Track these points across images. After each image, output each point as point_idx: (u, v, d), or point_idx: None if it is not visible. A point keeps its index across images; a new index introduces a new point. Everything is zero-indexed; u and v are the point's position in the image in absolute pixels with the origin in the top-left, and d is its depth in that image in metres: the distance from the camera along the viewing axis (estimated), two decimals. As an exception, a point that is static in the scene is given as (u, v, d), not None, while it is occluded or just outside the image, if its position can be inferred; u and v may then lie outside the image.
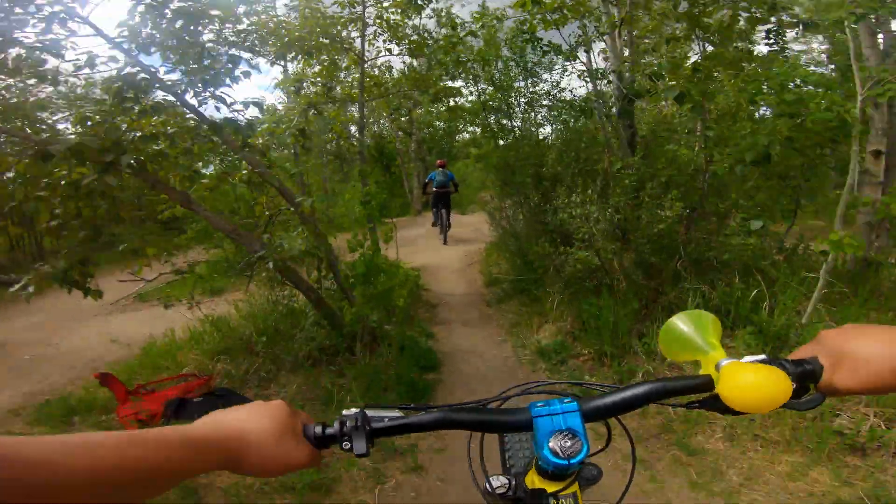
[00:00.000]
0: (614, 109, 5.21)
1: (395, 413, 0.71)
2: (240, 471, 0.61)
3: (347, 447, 0.65)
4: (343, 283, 4.09)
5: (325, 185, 12.70)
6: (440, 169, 9.74)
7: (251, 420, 0.62)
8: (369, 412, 0.69)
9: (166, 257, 3.50)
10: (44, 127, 4.18)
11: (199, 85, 3.12)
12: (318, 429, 0.66)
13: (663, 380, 0.67)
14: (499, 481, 0.76)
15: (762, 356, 0.64)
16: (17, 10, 2.63)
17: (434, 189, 9.66)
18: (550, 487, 0.71)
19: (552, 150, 5.89)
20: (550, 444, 0.65)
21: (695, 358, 0.69)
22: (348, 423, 0.66)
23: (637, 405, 0.67)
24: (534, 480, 0.73)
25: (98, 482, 0.44)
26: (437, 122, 16.55)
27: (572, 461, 0.64)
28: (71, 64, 2.87)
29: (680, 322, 0.72)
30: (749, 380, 0.57)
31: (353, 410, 0.69)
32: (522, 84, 7.16)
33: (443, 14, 6.62)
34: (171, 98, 3.21)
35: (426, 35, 6.53)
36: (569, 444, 0.65)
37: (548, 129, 7.84)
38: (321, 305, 3.85)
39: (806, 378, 0.62)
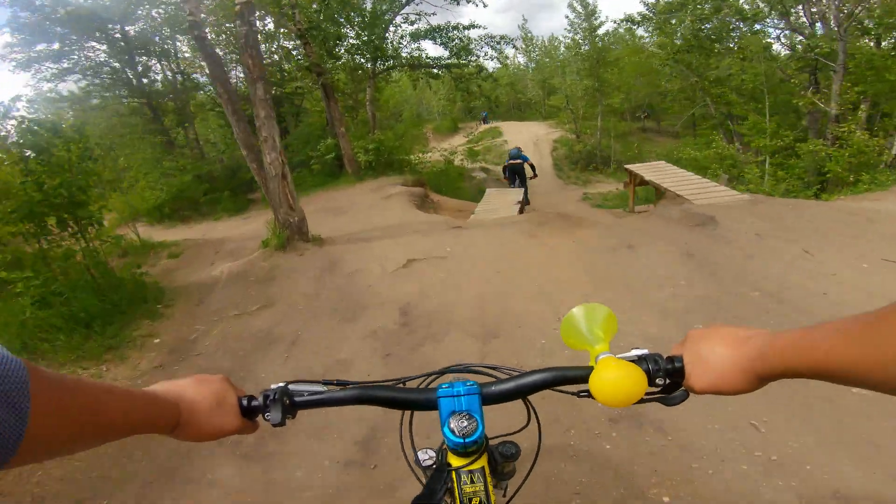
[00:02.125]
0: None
1: (318, 388, 0.78)
2: (177, 434, 0.68)
3: (268, 418, 0.73)
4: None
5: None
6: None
7: (192, 389, 0.70)
8: (293, 387, 0.77)
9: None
10: None
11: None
12: (245, 401, 0.74)
13: (557, 369, 0.73)
14: (426, 454, 0.83)
15: (643, 351, 0.69)
16: None
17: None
18: (458, 462, 0.76)
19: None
20: (451, 424, 0.72)
21: (585, 348, 0.74)
22: (271, 397, 0.74)
23: (531, 391, 0.74)
24: (449, 455, 0.78)
25: (106, 424, 0.52)
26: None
27: (467, 440, 0.71)
28: None
29: (577, 314, 0.77)
30: (610, 377, 0.63)
31: (280, 384, 0.77)
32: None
33: None
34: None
35: None
36: (465, 424, 0.71)
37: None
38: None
39: (673, 375, 0.67)
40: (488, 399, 0.75)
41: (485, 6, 13.78)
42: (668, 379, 0.67)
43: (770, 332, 0.59)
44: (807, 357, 0.51)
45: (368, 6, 13.37)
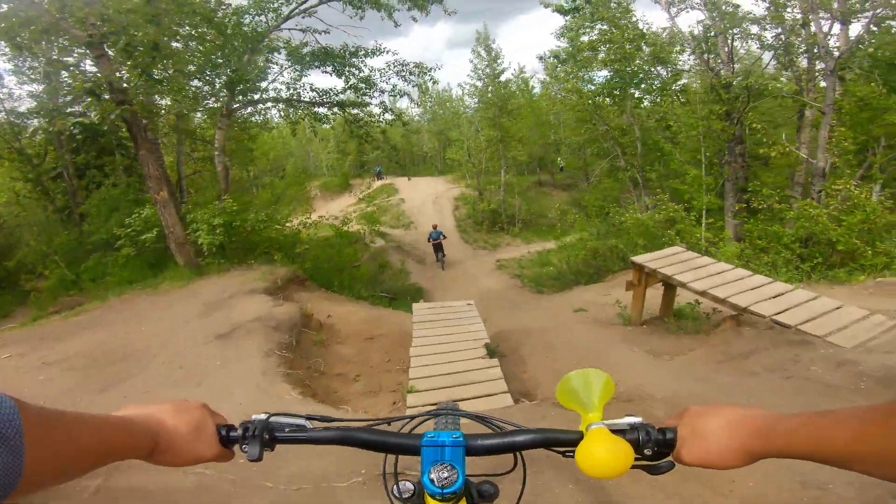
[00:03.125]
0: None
1: (301, 422, 0.75)
2: (154, 459, 0.65)
3: (245, 450, 0.71)
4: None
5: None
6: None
7: (171, 415, 0.67)
8: (275, 419, 0.74)
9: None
10: None
11: None
12: (224, 431, 0.72)
13: (548, 431, 0.71)
14: (405, 486, 0.76)
15: (636, 419, 0.69)
16: None
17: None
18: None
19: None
20: (431, 474, 0.69)
21: (579, 411, 0.73)
22: (250, 429, 0.71)
23: (516, 450, 0.72)
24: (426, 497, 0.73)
25: (88, 452, 0.52)
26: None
27: (445, 491, 0.68)
28: None
29: (574, 379, 0.77)
30: (598, 451, 0.62)
31: (263, 415, 0.73)
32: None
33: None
34: None
35: None
36: (445, 475, 0.69)
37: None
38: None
39: (663, 446, 0.67)
40: (473, 452, 0.72)
41: (415, 21, 10.18)
42: (656, 449, 0.67)
43: (773, 413, 0.60)
44: (818, 442, 0.51)
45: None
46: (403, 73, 10.38)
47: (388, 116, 11.02)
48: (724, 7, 11.59)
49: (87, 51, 7.24)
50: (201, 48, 8.53)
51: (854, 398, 3.19)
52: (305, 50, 9.94)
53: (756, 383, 3.66)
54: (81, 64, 8.11)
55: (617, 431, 0.67)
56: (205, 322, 5.70)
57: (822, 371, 3.62)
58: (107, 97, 7.21)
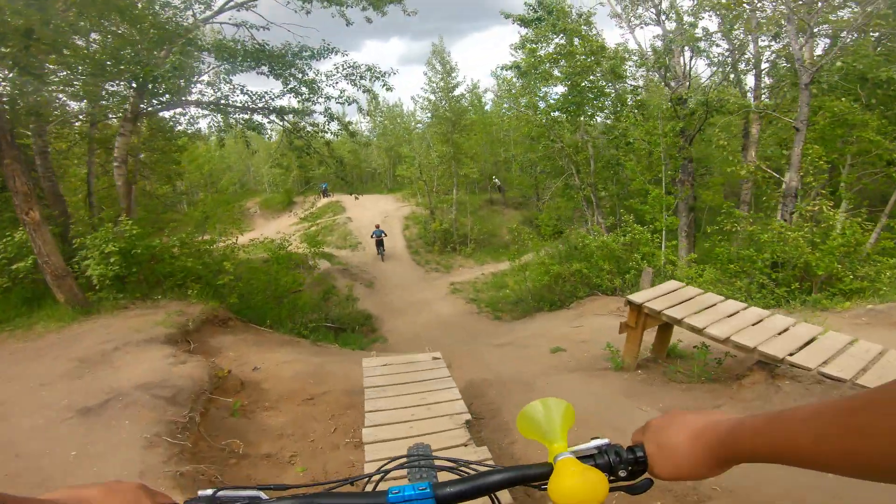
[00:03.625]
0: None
1: (253, 494, 0.68)
2: None
3: None
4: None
5: None
6: None
7: (100, 498, 0.61)
8: (223, 493, 0.67)
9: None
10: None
11: None
12: None
13: (517, 468, 0.69)
14: None
15: (603, 441, 0.68)
16: None
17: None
18: None
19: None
20: None
21: (543, 442, 0.72)
22: None
23: (488, 492, 0.69)
24: None
25: None
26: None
27: None
28: None
29: (535, 410, 0.76)
30: (570, 483, 0.61)
31: (209, 491, 0.66)
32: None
33: None
34: None
35: None
36: None
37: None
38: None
39: (636, 464, 0.65)
40: (442, 501, 0.67)
41: (369, 21, 8.90)
42: (630, 469, 0.66)
43: (734, 417, 0.59)
44: (783, 444, 0.50)
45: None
46: (353, 77, 9.12)
47: (334, 126, 9.68)
48: (680, 24, 11.43)
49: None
50: (107, 41, 6.88)
51: None
52: (238, 47, 8.47)
53: None
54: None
55: (586, 458, 0.67)
56: (71, 386, 4.07)
57: None
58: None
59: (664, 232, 11.80)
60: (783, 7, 8.57)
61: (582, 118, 14.67)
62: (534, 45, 13.17)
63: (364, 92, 9.40)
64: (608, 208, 16.46)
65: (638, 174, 12.29)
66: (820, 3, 8.74)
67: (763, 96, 11.67)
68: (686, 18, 11.63)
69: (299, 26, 9.34)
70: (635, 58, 13.07)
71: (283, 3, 8.38)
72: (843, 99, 8.73)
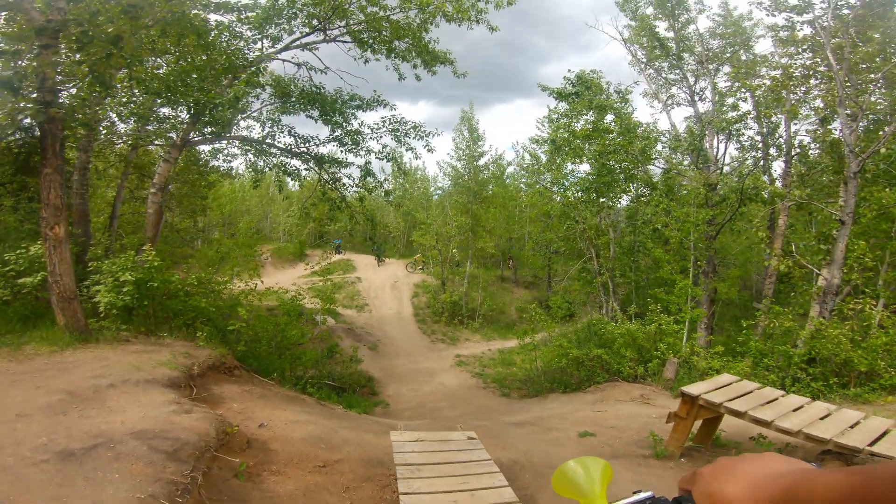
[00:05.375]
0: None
1: None
2: None
3: None
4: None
5: None
6: None
7: None
8: None
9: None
10: None
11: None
12: None
13: None
14: None
15: (646, 494, 0.66)
16: None
17: None
18: None
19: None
20: None
21: (581, 501, 0.72)
22: None
23: None
24: None
25: None
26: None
27: None
28: None
29: (572, 468, 0.76)
30: None
31: None
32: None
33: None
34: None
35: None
36: None
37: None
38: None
39: None
40: None
41: (418, 79, 9.18)
42: None
43: (800, 468, 0.55)
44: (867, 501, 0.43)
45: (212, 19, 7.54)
46: (399, 133, 9.28)
47: (370, 181, 9.71)
48: (718, 105, 11.81)
49: (35, 40, 5.52)
50: (178, 62, 7.03)
51: None
52: (293, 87, 8.72)
53: None
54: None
55: None
56: (53, 422, 3.55)
57: None
58: (30, 94, 5.42)
59: (687, 322, 11.39)
60: (841, 89, 8.56)
61: (605, 200, 14.82)
62: (567, 120, 13.60)
63: (407, 150, 9.54)
64: (624, 296, 16.13)
65: (666, 262, 12.07)
66: (877, 87, 8.89)
67: (793, 185, 11.71)
68: (728, 100, 12.11)
69: (351, 74, 9.55)
70: (664, 139, 13.40)
71: (344, 51, 8.75)
72: (887, 189, 8.45)
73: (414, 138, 9.31)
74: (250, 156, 9.33)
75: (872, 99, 9.28)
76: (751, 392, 4.62)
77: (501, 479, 3.12)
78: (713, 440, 5.12)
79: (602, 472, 0.75)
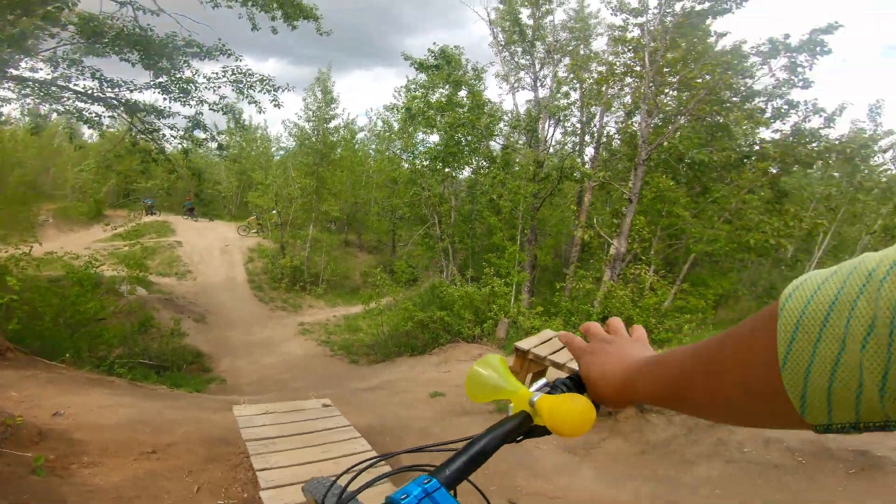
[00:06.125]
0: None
1: None
2: None
3: None
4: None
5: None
6: None
7: None
8: None
9: None
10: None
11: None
12: None
13: (496, 427, 0.68)
14: None
15: (549, 379, 0.72)
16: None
17: None
18: None
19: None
20: None
21: (504, 397, 0.73)
22: None
23: (485, 458, 0.68)
24: None
25: None
26: None
27: None
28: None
29: (481, 372, 0.76)
30: (567, 409, 0.63)
31: None
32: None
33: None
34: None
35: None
36: None
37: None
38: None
39: (582, 388, 0.70)
40: (449, 485, 0.63)
41: (274, 32, 7.87)
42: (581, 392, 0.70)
43: (641, 357, 0.61)
44: (660, 385, 0.51)
45: None
46: (242, 84, 8.13)
47: (201, 134, 8.42)
48: (554, 93, 13.23)
49: None
50: None
51: (810, 475, 2.89)
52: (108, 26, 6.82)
53: (710, 473, 3.12)
54: None
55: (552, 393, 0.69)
56: None
57: (756, 451, 3.33)
58: None
59: (515, 285, 12.95)
60: (647, 88, 10.39)
61: (450, 170, 15.61)
62: (424, 91, 13.74)
63: (251, 103, 8.45)
64: (462, 261, 17.45)
65: (498, 230, 13.39)
66: (671, 89, 10.88)
67: (598, 168, 14.02)
68: (563, 89, 13.60)
69: (192, 20, 7.95)
70: (507, 118, 14.57)
71: None
72: (664, 176, 10.77)
73: (260, 91, 8.31)
74: (29, 101, 7.18)
75: (667, 100, 11.59)
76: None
77: (364, 443, 3.21)
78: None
79: (504, 365, 0.77)
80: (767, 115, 11.11)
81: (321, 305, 17.51)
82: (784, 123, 11.21)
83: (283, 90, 8.50)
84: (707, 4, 10.41)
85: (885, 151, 12.75)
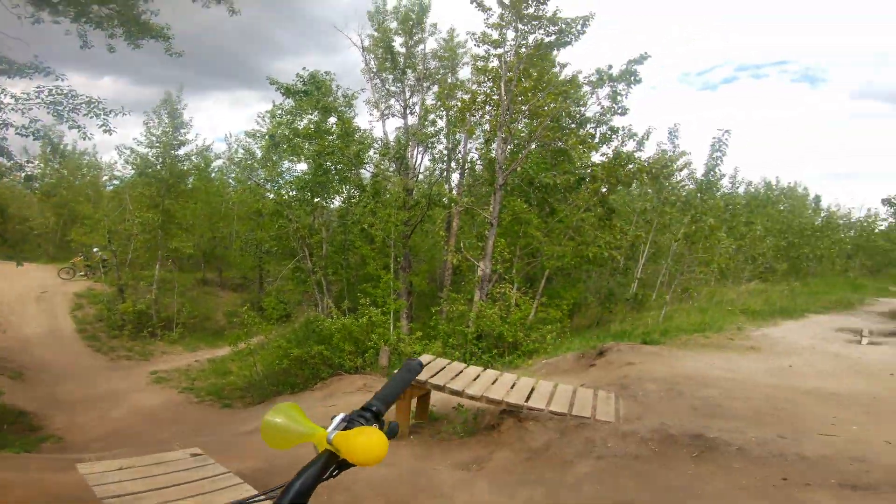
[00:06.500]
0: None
1: None
2: None
3: None
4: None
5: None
6: None
7: None
8: None
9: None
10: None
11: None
12: None
13: (305, 469, 0.71)
14: None
15: (343, 414, 0.79)
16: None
17: None
18: None
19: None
20: None
21: (305, 441, 0.76)
22: None
23: (306, 499, 0.70)
24: None
25: None
26: None
27: None
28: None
29: (276, 420, 0.78)
30: (363, 443, 0.69)
31: None
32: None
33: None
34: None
35: None
36: None
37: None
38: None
39: (376, 418, 0.79)
40: None
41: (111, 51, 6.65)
42: (378, 423, 0.79)
43: None
44: None
45: None
46: (61, 107, 6.96)
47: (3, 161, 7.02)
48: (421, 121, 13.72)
49: None
50: None
51: (664, 463, 3.57)
52: None
53: (586, 470, 3.65)
54: None
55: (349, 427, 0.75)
56: None
57: (618, 445, 3.97)
58: None
59: (392, 313, 13.11)
60: (503, 116, 11.31)
61: (319, 200, 15.29)
62: (291, 118, 13.28)
63: (71, 128, 7.30)
64: (337, 292, 17.03)
65: (372, 259, 13.49)
66: (523, 117, 12.02)
67: (464, 193, 14.95)
68: (430, 116, 14.17)
69: (4, 34, 6.52)
70: (377, 145, 14.80)
71: (7, 5, 5.91)
72: (518, 199, 11.84)
73: (86, 115, 7.25)
74: None
75: (520, 126, 12.91)
76: (443, 368, 5.74)
77: (249, 488, 3.05)
78: (429, 415, 5.93)
79: (298, 410, 0.80)
80: (596, 139, 12.96)
81: (178, 351, 15.69)
82: (609, 147, 13.09)
83: (117, 114, 7.59)
84: (553, 37, 11.74)
85: (680, 170, 15.65)
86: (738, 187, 23.99)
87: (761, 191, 26.83)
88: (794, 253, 20.16)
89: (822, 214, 24.95)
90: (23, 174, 8.30)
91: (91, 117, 7.28)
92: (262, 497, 0.77)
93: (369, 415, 0.79)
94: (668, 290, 11.92)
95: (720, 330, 9.27)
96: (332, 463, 0.73)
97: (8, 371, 10.88)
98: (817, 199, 27.41)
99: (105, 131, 7.46)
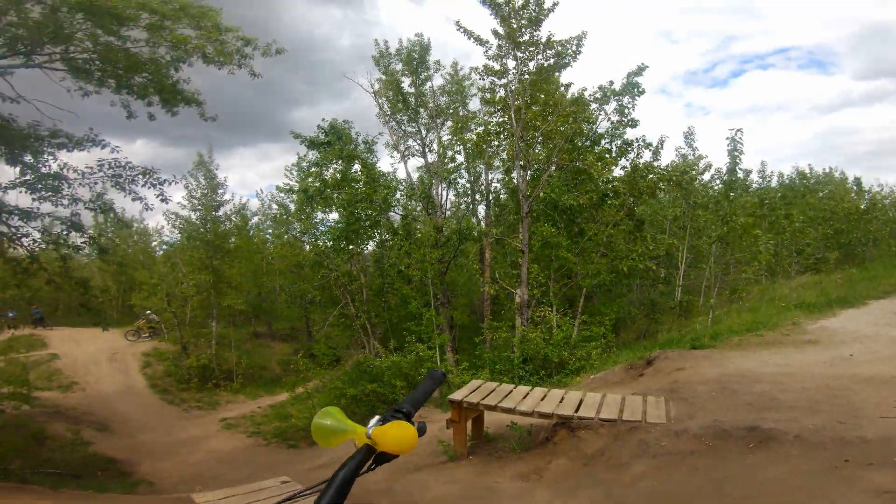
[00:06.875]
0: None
1: None
2: None
3: None
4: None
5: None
6: None
7: None
8: None
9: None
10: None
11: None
12: None
13: (347, 464, 0.78)
14: None
15: (377, 417, 0.86)
16: None
17: None
18: None
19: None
20: None
21: (348, 438, 0.85)
22: None
23: (349, 488, 0.75)
24: None
25: None
26: None
27: None
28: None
29: (324, 423, 0.87)
30: (397, 435, 0.80)
31: None
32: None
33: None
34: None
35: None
36: None
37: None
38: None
39: (406, 415, 0.88)
40: None
41: (151, 119, 7.66)
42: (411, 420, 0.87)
43: None
44: None
45: None
46: (122, 179, 7.81)
47: (78, 240, 7.91)
48: (441, 157, 14.09)
49: None
50: None
51: (720, 455, 3.67)
52: None
53: (642, 469, 3.77)
54: None
55: (384, 423, 0.83)
56: None
57: (672, 444, 4.07)
58: None
59: (438, 347, 13.37)
60: (518, 143, 11.38)
61: (353, 247, 15.93)
62: (318, 169, 13.99)
63: (134, 200, 8.14)
64: (382, 334, 17.42)
65: (412, 298, 13.93)
66: (538, 143, 12.18)
67: (492, 224, 15.08)
68: (448, 152, 14.48)
69: (55, 107, 7.46)
70: (402, 187, 15.12)
71: (55, 80, 6.92)
72: (546, 224, 11.94)
73: (143, 185, 8.06)
74: None
75: (537, 150, 12.94)
76: (493, 390, 5.97)
77: None
78: (485, 435, 6.13)
79: (339, 411, 0.89)
80: (613, 154, 12.90)
81: (241, 399, 16.66)
82: (627, 160, 12.99)
83: (170, 182, 8.29)
84: (552, 61, 11.88)
85: (702, 173, 15.22)
86: (768, 181, 23.39)
87: (795, 181, 26.01)
88: (845, 239, 19.26)
89: (866, 196, 23.80)
90: (96, 247, 9.14)
91: (147, 187, 8.03)
92: (308, 492, 0.83)
93: (401, 415, 0.87)
94: (714, 293, 11.70)
95: (774, 327, 9.02)
96: (370, 456, 0.81)
97: (94, 424, 11.97)
98: (858, 181, 26.22)
99: (162, 200, 8.22)
